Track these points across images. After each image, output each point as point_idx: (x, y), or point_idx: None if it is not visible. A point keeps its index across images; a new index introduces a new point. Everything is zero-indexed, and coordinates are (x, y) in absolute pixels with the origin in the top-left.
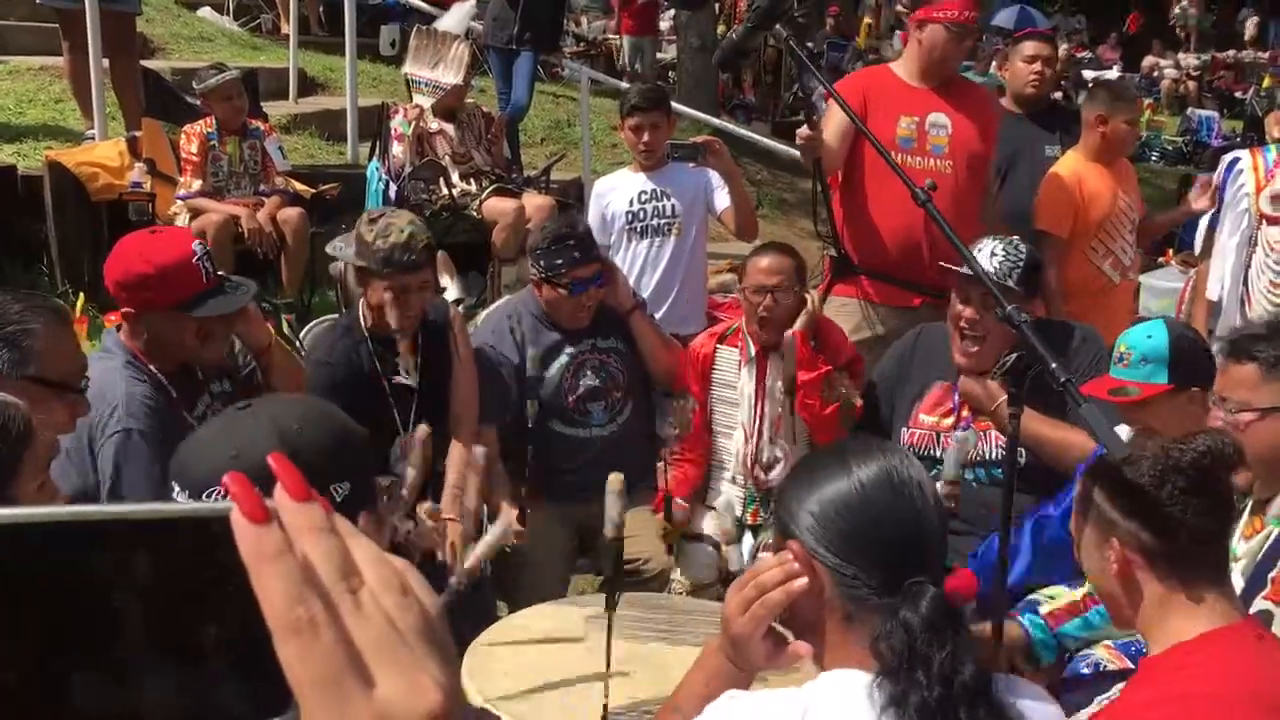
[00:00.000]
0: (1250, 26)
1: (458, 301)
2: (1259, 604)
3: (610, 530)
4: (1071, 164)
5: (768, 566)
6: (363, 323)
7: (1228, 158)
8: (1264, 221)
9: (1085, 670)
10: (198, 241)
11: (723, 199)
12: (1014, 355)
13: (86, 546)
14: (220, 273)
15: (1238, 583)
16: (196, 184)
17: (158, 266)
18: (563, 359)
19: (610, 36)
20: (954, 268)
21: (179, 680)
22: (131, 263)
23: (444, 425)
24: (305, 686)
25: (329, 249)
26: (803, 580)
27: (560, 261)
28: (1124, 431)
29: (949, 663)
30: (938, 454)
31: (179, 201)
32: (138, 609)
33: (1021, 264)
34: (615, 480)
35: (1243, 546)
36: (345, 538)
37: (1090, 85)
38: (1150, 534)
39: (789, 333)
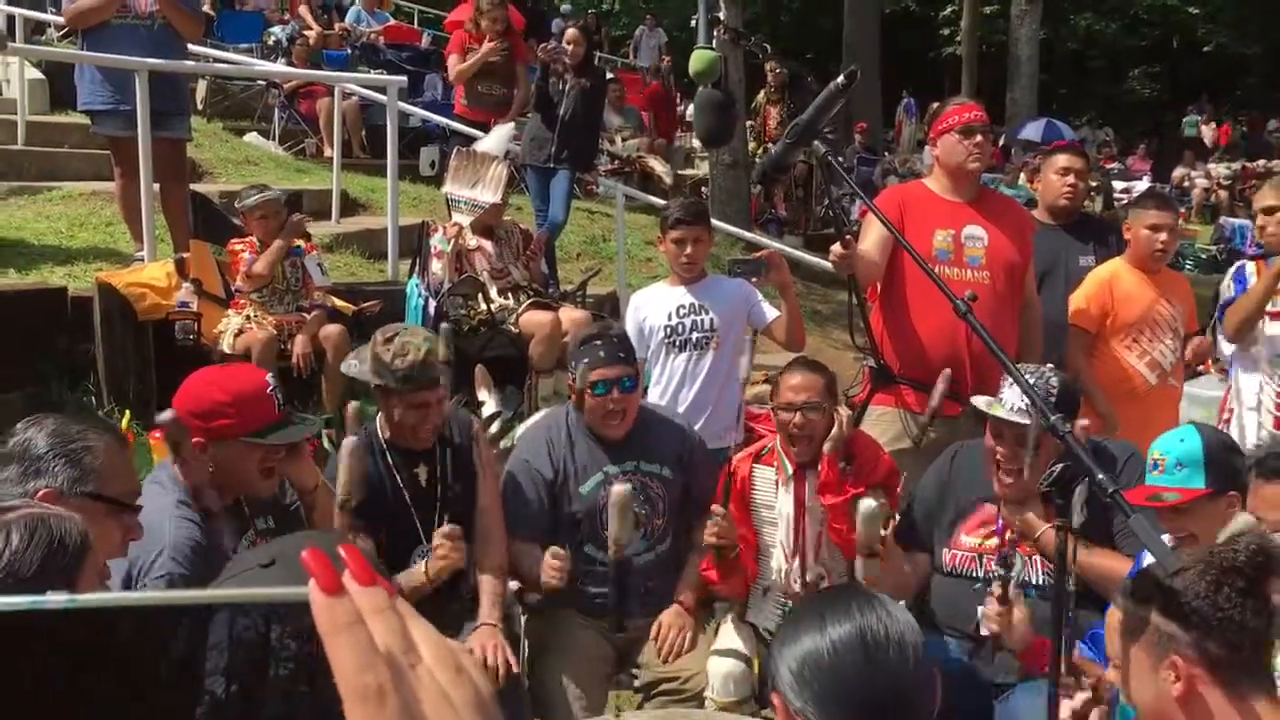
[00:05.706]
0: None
1: (495, 415)
2: None
3: (611, 547)
4: (1112, 266)
5: None
6: (380, 435)
7: (1234, 268)
8: (1268, 318)
9: None
10: (270, 374)
11: (766, 313)
12: (1060, 465)
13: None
14: (287, 407)
15: None
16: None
17: (234, 394)
18: (598, 475)
19: (644, 154)
20: (985, 409)
21: None
22: (206, 391)
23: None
24: None
25: (343, 369)
26: None
27: (587, 360)
28: (1167, 540)
29: None
30: (980, 574)
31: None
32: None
33: (1055, 393)
34: (619, 494)
35: None
36: (405, 619)
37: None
38: (1214, 642)
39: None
